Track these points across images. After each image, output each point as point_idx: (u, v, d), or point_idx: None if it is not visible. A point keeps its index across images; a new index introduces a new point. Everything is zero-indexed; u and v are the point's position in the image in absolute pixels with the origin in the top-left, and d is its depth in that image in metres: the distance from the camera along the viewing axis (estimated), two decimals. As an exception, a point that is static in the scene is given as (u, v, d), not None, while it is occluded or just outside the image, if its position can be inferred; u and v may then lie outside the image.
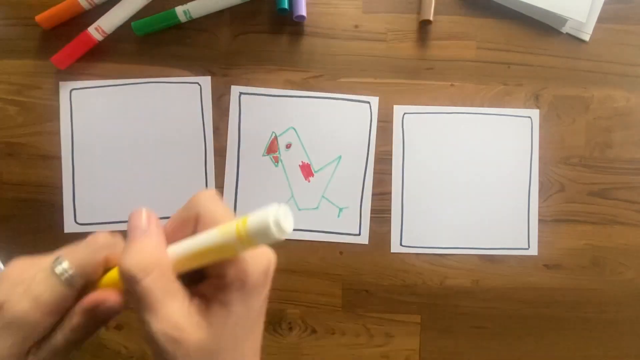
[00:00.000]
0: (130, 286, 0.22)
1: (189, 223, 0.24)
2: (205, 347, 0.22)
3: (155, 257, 0.22)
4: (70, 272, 0.23)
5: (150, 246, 0.22)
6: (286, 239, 0.58)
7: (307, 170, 0.53)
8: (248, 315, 0.24)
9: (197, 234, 0.23)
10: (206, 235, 0.22)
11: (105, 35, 0.51)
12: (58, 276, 0.23)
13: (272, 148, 0.53)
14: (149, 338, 0.22)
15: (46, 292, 0.23)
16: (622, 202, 0.54)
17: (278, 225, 0.21)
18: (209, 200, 0.24)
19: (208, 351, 0.22)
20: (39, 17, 0.50)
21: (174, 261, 0.23)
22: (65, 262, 0.24)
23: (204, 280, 0.24)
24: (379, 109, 0.53)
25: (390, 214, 0.53)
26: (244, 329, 0.24)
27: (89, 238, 0.25)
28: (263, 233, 0.21)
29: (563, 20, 0.53)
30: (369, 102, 0.53)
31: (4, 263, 0.50)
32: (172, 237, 0.24)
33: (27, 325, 0.23)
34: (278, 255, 0.54)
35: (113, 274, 0.24)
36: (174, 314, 0.22)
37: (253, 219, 0.21)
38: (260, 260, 0.23)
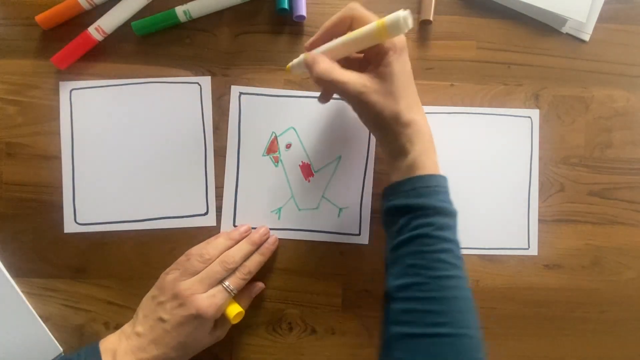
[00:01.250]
0: (324, 80, 0.39)
1: (344, 23, 0.40)
2: (384, 90, 0.39)
3: (329, 64, 0.40)
4: (233, 289, 0.45)
5: (325, 62, 0.40)
6: (286, 239, 0.57)
7: (307, 170, 0.53)
8: (404, 69, 0.40)
9: (350, 32, 0.39)
10: (357, 31, 0.38)
11: (105, 35, 0.51)
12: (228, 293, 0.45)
13: (272, 148, 0.53)
14: (350, 98, 0.40)
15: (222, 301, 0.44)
16: (622, 202, 0.54)
17: (405, 21, 0.35)
18: (361, 8, 0.40)
19: (386, 92, 0.39)
20: (39, 17, 0.50)
21: (340, 46, 0.40)
22: (232, 285, 0.45)
23: (368, 68, 0.41)
24: (379, 109, 0.53)
25: (390, 214, 0.53)
26: (404, 78, 0.40)
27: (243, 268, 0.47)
28: (396, 26, 0.36)
29: (563, 20, 0.53)
30: (369, 102, 0.53)
31: (4, 263, 0.50)
32: (331, 33, 0.41)
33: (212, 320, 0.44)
34: (278, 256, 0.53)
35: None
36: (356, 78, 0.39)
37: (389, 17, 0.36)
38: (400, 37, 0.39)
